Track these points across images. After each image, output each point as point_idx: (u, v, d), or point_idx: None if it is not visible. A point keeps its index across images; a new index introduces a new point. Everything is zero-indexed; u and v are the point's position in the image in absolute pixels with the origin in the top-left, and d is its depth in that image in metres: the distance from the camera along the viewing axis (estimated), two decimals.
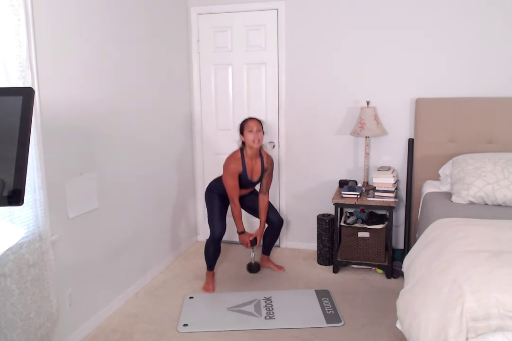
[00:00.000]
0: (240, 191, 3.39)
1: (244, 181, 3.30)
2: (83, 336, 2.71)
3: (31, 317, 2.21)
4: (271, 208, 3.51)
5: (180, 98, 3.92)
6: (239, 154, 3.27)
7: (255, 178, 3.35)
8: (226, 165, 3.25)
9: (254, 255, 3.54)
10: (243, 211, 3.49)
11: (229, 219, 4.23)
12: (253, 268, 3.57)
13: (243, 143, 3.27)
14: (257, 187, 3.57)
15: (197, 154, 4.23)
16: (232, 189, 3.25)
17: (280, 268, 3.68)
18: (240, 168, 3.23)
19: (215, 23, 3.97)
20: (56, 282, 2.39)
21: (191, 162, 4.22)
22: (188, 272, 3.65)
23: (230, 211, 3.38)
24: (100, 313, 2.87)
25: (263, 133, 3.25)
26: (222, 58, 4.02)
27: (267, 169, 3.39)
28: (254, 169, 3.33)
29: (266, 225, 3.55)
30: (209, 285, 3.34)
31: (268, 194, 3.46)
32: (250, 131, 3.18)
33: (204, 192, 3.47)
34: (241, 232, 3.36)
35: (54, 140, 2.43)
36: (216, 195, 3.38)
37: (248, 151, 3.26)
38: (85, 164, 2.69)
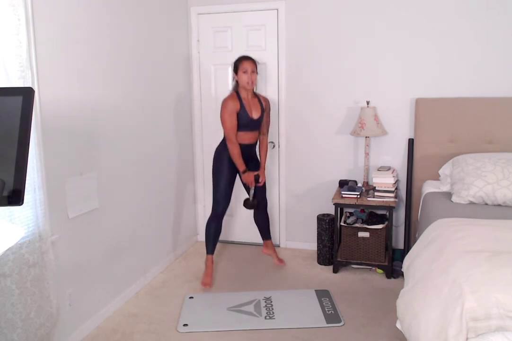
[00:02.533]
0: (244, 135, 3.29)
1: (245, 119, 3.22)
2: (83, 336, 2.71)
3: (31, 317, 2.21)
4: (262, 189, 3.50)
5: (180, 98, 3.92)
6: (235, 94, 3.24)
7: (256, 115, 3.28)
8: (223, 104, 3.19)
9: (253, 192, 3.42)
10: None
11: (230, 220, 4.24)
12: (251, 204, 3.43)
13: (237, 82, 3.25)
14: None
15: (197, 154, 4.23)
16: (230, 126, 3.18)
17: (281, 261, 3.69)
18: (238, 106, 3.18)
19: (215, 23, 3.97)
20: (56, 282, 2.39)
21: (191, 162, 4.22)
22: (188, 272, 3.65)
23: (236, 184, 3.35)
24: (100, 313, 2.87)
25: (257, 74, 3.23)
26: (222, 58, 4.02)
27: (265, 108, 3.37)
28: (253, 107, 3.28)
29: (252, 211, 3.52)
30: (208, 277, 3.33)
31: (267, 134, 3.50)
32: (245, 72, 3.16)
33: (214, 154, 3.35)
34: (244, 170, 3.29)
35: (54, 140, 2.43)
36: (226, 162, 3.29)
37: (243, 92, 3.24)
38: (85, 164, 2.69)
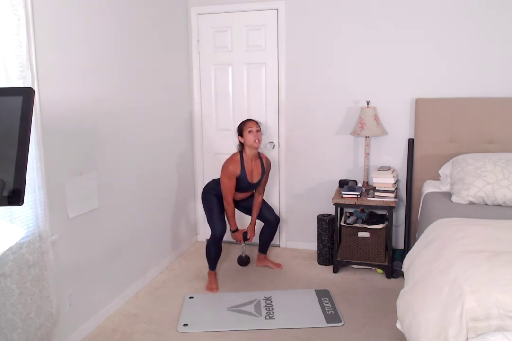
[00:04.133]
0: (239, 195, 3.43)
1: (244, 183, 3.31)
2: (83, 336, 2.71)
3: (31, 317, 2.21)
4: (267, 207, 3.57)
5: (180, 98, 3.92)
6: (238, 156, 3.29)
7: (255, 179, 3.37)
8: (224, 167, 3.27)
9: (245, 249, 3.62)
10: (236, 211, 3.57)
11: None
12: (244, 260, 3.65)
13: (242, 145, 3.30)
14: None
15: (197, 154, 4.23)
16: (228, 189, 3.27)
17: (278, 265, 3.70)
18: (238, 171, 3.25)
19: (215, 23, 3.97)
20: (56, 282, 2.39)
21: (191, 162, 4.22)
22: (188, 272, 3.65)
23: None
24: (100, 313, 2.87)
25: (262, 134, 3.30)
26: (222, 58, 4.02)
27: (266, 170, 3.45)
28: (254, 171, 3.35)
29: (263, 224, 3.61)
30: (213, 285, 3.35)
31: (263, 194, 3.54)
32: (250, 131, 3.21)
33: (201, 195, 3.51)
34: (234, 230, 3.44)
35: (54, 140, 2.43)
36: (213, 196, 3.41)
37: (248, 153, 3.29)
38: (85, 164, 2.69)
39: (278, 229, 3.74)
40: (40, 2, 2.27)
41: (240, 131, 3.27)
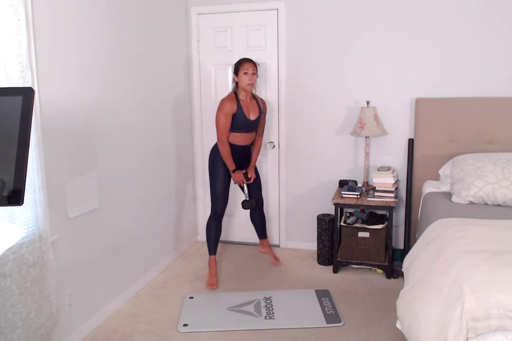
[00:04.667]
0: (239, 136, 3.31)
1: (241, 120, 3.24)
2: (83, 336, 2.71)
3: (31, 317, 2.21)
4: (258, 187, 3.53)
5: (180, 98, 3.92)
6: (233, 95, 3.26)
7: (253, 117, 3.30)
8: (220, 105, 3.21)
9: (247, 191, 3.47)
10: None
11: (229, 220, 4.24)
12: (248, 204, 3.48)
13: (236, 84, 3.26)
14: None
15: (197, 154, 4.23)
16: (223, 127, 3.20)
17: (277, 259, 3.72)
18: (234, 108, 3.20)
19: (215, 23, 3.97)
20: (56, 282, 2.39)
21: (191, 162, 4.22)
22: (188, 272, 3.65)
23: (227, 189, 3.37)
24: (100, 313, 2.87)
25: (257, 76, 3.25)
26: (222, 58, 4.02)
27: (263, 111, 3.41)
28: (251, 109, 3.30)
29: (249, 210, 3.59)
30: (213, 278, 3.35)
31: (263, 135, 3.53)
32: (246, 73, 3.17)
33: (209, 155, 3.40)
34: (234, 170, 3.32)
35: (54, 140, 2.43)
36: (221, 163, 3.32)
37: (242, 94, 3.26)
38: (85, 164, 2.69)
39: (275, 228, 3.74)
40: (40, 2, 2.27)
41: (236, 70, 3.21)
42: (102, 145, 2.84)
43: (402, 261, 3.35)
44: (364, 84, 3.72)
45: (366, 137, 3.64)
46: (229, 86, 4.04)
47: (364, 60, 3.69)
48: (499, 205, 2.89)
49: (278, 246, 4.18)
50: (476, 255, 1.95)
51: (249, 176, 3.41)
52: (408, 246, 3.56)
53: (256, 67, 3.23)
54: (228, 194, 3.40)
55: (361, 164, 3.84)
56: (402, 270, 2.51)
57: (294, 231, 4.14)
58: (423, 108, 3.50)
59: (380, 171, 3.49)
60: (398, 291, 2.84)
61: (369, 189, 3.62)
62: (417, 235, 3.15)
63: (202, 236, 4.37)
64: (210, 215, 3.37)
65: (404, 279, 2.39)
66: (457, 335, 1.68)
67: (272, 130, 4.00)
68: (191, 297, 3.18)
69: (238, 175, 3.35)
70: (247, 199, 3.49)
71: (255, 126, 3.37)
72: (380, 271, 3.55)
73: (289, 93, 3.91)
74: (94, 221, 2.79)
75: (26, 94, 1.26)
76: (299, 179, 4.03)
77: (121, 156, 3.06)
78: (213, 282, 3.35)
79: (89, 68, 2.69)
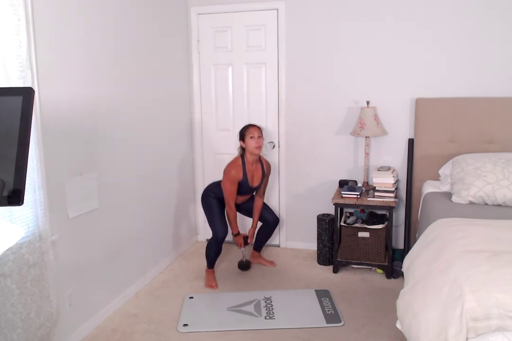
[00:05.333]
0: (239, 198, 3.44)
1: (244, 188, 3.34)
2: (83, 336, 2.71)
3: (31, 317, 2.21)
4: (266, 208, 3.58)
5: (180, 98, 3.92)
6: (240, 161, 3.31)
7: (256, 183, 3.40)
8: (226, 171, 3.29)
9: (245, 253, 3.63)
10: (238, 215, 3.58)
11: None
12: (244, 265, 3.64)
13: (243, 149, 3.33)
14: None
15: (197, 154, 4.23)
16: (230, 194, 3.31)
17: (271, 262, 3.73)
18: (240, 176, 3.29)
19: (215, 23, 3.97)
20: (56, 282, 2.39)
21: (191, 162, 4.22)
22: (188, 272, 3.65)
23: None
24: (100, 313, 2.87)
25: (263, 139, 3.32)
26: (222, 58, 4.02)
27: (266, 174, 3.47)
28: (255, 175, 3.38)
29: (261, 224, 3.63)
30: (212, 282, 3.37)
31: (263, 196, 3.56)
32: (252, 137, 3.25)
33: (200, 198, 3.54)
34: (236, 234, 3.46)
35: (54, 140, 2.43)
36: (213, 199, 3.42)
37: (249, 158, 3.32)
38: (85, 164, 2.68)
39: (276, 230, 3.75)
40: (40, 2, 2.27)
41: (242, 136, 3.30)
42: (102, 145, 2.84)
43: (402, 261, 3.35)
44: (364, 84, 3.72)
45: (366, 137, 3.64)
46: (229, 86, 4.05)
47: (364, 60, 3.68)
48: (499, 205, 2.89)
49: (278, 246, 4.18)
50: (476, 255, 1.95)
51: (249, 241, 3.54)
52: (408, 246, 3.56)
53: (261, 131, 3.31)
54: (226, 221, 3.43)
55: (361, 164, 3.84)
56: (402, 270, 2.51)
57: (294, 231, 4.13)
58: (423, 108, 3.50)
59: (380, 170, 3.49)
60: (398, 291, 2.85)
61: (369, 189, 3.62)
62: (417, 235, 3.15)
63: (202, 236, 4.37)
64: (212, 238, 3.37)
65: (404, 279, 2.39)
66: (457, 335, 1.68)
67: (272, 130, 4.00)
68: (191, 297, 3.18)
69: (239, 239, 3.48)
70: (244, 260, 3.63)
71: (256, 189, 3.48)
72: (380, 271, 3.55)
73: (289, 93, 3.91)
74: (94, 221, 2.79)
75: (26, 94, 1.26)
76: (299, 179, 4.03)
77: (121, 156, 3.05)
78: (212, 284, 3.36)
79: (89, 68, 2.69)
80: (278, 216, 3.72)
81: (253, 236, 3.58)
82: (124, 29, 3.03)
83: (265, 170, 3.46)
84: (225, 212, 3.44)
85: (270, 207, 3.66)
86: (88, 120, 2.70)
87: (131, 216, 3.20)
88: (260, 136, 3.28)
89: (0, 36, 1.98)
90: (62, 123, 2.48)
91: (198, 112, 4.16)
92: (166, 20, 3.63)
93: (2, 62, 1.99)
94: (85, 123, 2.68)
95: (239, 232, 3.48)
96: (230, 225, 3.43)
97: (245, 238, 3.53)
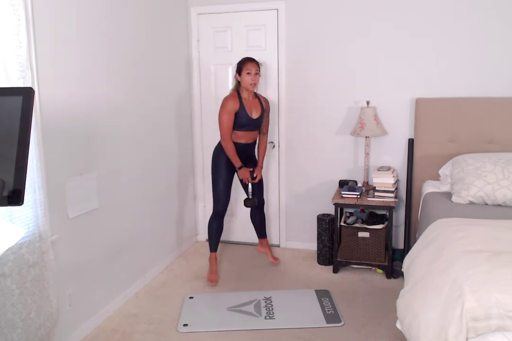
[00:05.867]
0: (243, 135, 3.32)
1: (244, 119, 3.25)
2: (83, 336, 2.71)
3: (31, 317, 2.21)
4: (260, 188, 3.54)
5: (180, 98, 3.92)
6: (235, 93, 3.27)
7: (255, 115, 3.31)
8: (223, 103, 3.23)
9: (251, 189, 3.47)
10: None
11: (230, 220, 4.24)
12: (251, 202, 3.48)
13: (238, 83, 3.28)
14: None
15: (197, 154, 4.23)
16: (227, 127, 3.22)
17: (276, 259, 3.73)
18: (237, 106, 3.22)
19: (215, 23, 3.97)
20: (56, 282, 2.39)
21: (191, 162, 4.22)
22: (188, 272, 3.65)
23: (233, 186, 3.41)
24: (100, 313, 2.87)
25: (260, 76, 3.26)
26: (222, 58, 4.02)
27: (265, 109, 3.41)
28: (253, 107, 3.31)
29: (250, 210, 3.63)
30: (213, 274, 3.38)
31: (267, 134, 3.53)
32: (248, 73, 3.19)
33: (213, 153, 3.41)
34: (240, 167, 3.33)
35: (54, 140, 2.43)
36: (224, 161, 3.34)
37: (244, 92, 3.27)
38: (85, 164, 2.68)
39: (276, 230, 3.75)
40: (40, 2, 2.27)
41: (239, 69, 3.23)
42: (102, 145, 2.84)
43: (402, 261, 3.35)
44: (364, 84, 3.72)
45: (366, 137, 3.64)
46: (229, 86, 4.04)
47: (364, 60, 3.68)
48: (499, 205, 2.89)
49: (278, 246, 4.18)
50: (476, 255, 1.95)
51: (255, 175, 3.43)
52: (408, 246, 3.56)
53: (259, 67, 3.25)
54: (230, 193, 3.41)
55: (361, 164, 3.84)
56: (402, 270, 2.51)
57: (294, 231, 4.13)
58: (423, 108, 3.50)
59: (380, 171, 3.49)
60: (398, 291, 2.84)
61: (369, 189, 3.62)
62: (417, 235, 3.15)
63: (202, 236, 4.37)
64: (212, 214, 3.39)
65: (404, 279, 2.39)
66: (457, 335, 1.68)
67: (272, 130, 4.00)
68: (191, 297, 3.18)
69: (245, 172, 3.35)
70: (250, 197, 3.49)
71: (258, 125, 3.38)
72: (380, 271, 3.55)
73: (289, 93, 3.91)
74: (94, 221, 2.79)
75: (26, 94, 1.26)
76: (299, 179, 4.03)
77: (121, 156, 3.05)
78: (213, 279, 3.37)
79: (89, 68, 2.69)
80: (264, 199, 3.68)
81: (260, 172, 3.46)
82: (124, 29, 3.03)
83: (264, 105, 3.38)
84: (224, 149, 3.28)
85: (266, 202, 3.64)
86: (88, 120, 2.70)
87: (131, 216, 3.20)
88: (257, 72, 3.21)
89: (0, 36, 1.98)
90: (62, 123, 2.48)
91: (198, 112, 4.16)
92: (166, 20, 3.63)
93: (2, 62, 1.99)
94: (85, 123, 2.68)
95: (242, 164, 3.33)
96: (231, 159, 3.29)
97: (251, 172, 3.40)
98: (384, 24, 3.59)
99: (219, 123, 3.25)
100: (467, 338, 1.67)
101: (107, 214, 2.92)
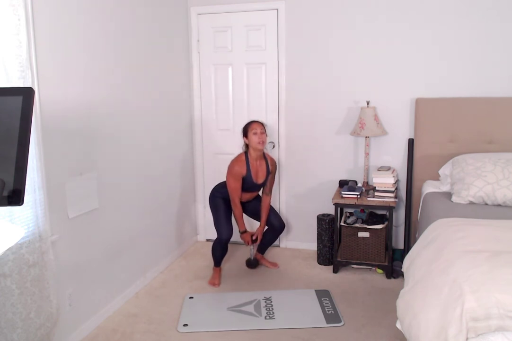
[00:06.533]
0: (245, 195, 3.43)
1: (249, 184, 3.33)
2: (83, 336, 2.71)
3: (31, 317, 2.21)
4: (273, 212, 3.56)
5: (180, 98, 3.92)
6: (243, 157, 3.32)
7: (260, 180, 3.38)
8: (230, 167, 3.30)
9: (253, 251, 3.63)
10: (244, 216, 3.56)
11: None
12: (252, 263, 3.65)
13: (247, 146, 3.33)
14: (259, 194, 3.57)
15: (197, 154, 4.23)
16: (234, 190, 3.30)
17: (275, 264, 3.72)
18: (244, 171, 3.28)
19: (215, 23, 3.97)
20: (56, 282, 2.39)
21: (191, 162, 4.22)
22: (188, 272, 3.65)
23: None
24: (100, 313, 2.87)
25: (266, 135, 3.32)
26: (222, 58, 4.02)
27: (271, 172, 3.46)
28: (259, 172, 3.37)
29: (267, 227, 3.60)
30: (215, 280, 3.40)
31: (270, 195, 3.53)
32: (255, 133, 3.25)
33: (208, 197, 3.54)
34: (243, 231, 3.43)
35: (54, 140, 2.43)
36: (220, 199, 3.42)
37: (252, 154, 3.32)
38: (85, 164, 2.68)
39: (280, 234, 3.75)
40: (40, 2, 2.27)
41: (245, 132, 3.30)
42: (102, 145, 2.84)
43: (402, 261, 3.36)
44: (364, 84, 3.72)
45: (366, 137, 3.64)
46: (229, 86, 4.05)
47: (364, 60, 3.68)
48: (499, 205, 2.89)
49: (278, 246, 4.18)
50: (476, 255, 1.95)
51: (254, 237, 3.49)
52: (408, 246, 3.56)
53: (264, 127, 3.31)
54: (231, 223, 3.42)
55: (361, 164, 3.84)
56: (402, 270, 2.51)
57: (294, 231, 4.14)
58: (423, 108, 3.50)
59: (380, 170, 3.49)
60: (398, 291, 2.85)
61: (369, 188, 3.62)
62: (417, 235, 3.15)
63: (202, 236, 4.37)
64: (216, 239, 3.38)
65: (404, 279, 2.39)
66: (457, 335, 1.68)
67: (272, 130, 4.00)
68: (191, 297, 3.18)
69: (246, 236, 3.45)
70: (252, 258, 3.63)
71: (261, 187, 3.47)
72: (380, 271, 3.55)
73: (289, 93, 3.91)
74: (94, 221, 2.79)
75: (26, 94, 1.26)
76: (299, 179, 4.04)
77: (121, 156, 3.05)
78: (215, 282, 3.38)
79: (89, 68, 2.69)
80: (284, 222, 3.67)
81: (261, 234, 3.53)
82: (124, 29, 3.03)
83: (270, 167, 3.44)
84: (232, 212, 3.44)
85: (278, 212, 3.65)
86: (88, 120, 2.70)
87: (131, 216, 3.20)
88: (263, 132, 3.28)
89: (0, 36, 1.98)
90: (62, 123, 2.48)
91: (198, 112, 4.16)
92: (166, 20, 3.63)
93: (2, 62, 1.99)
94: (85, 123, 2.68)
95: (246, 229, 3.45)
96: (236, 222, 3.41)
97: (253, 236, 3.50)
98: (384, 24, 3.58)
99: (227, 187, 3.33)
100: (467, 338, 1.67)
101: (107, 214, 2.92)
